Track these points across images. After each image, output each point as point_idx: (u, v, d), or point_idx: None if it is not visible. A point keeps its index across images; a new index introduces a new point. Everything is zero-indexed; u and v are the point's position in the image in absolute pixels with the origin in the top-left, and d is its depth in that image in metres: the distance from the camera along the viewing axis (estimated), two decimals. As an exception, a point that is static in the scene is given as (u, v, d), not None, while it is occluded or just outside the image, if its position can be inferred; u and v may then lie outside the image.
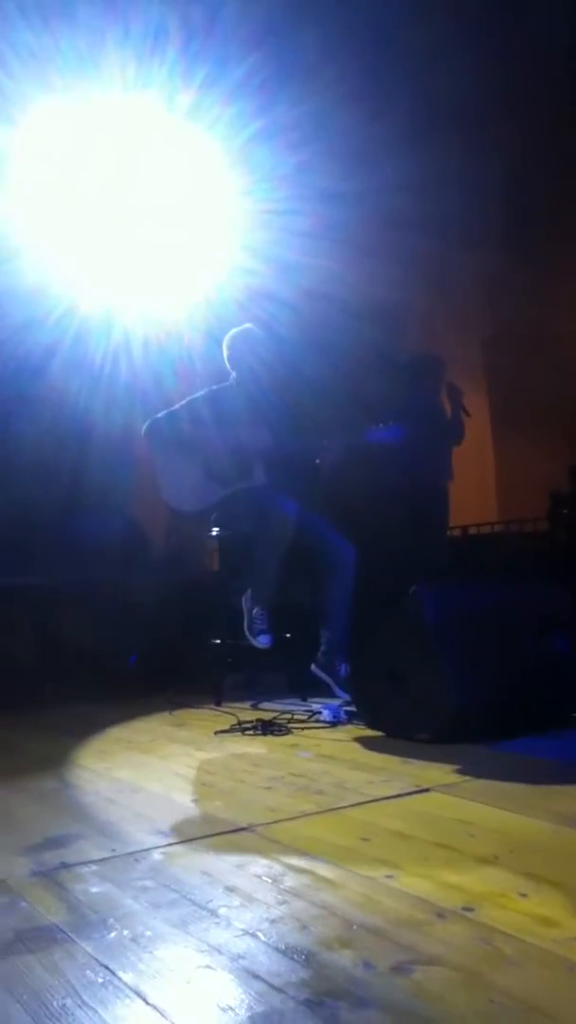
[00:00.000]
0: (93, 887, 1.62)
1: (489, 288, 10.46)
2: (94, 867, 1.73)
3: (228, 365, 3.77)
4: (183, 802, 2.25)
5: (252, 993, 1.17)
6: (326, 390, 6.26)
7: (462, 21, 8.17)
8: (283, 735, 3.08)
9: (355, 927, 1.37)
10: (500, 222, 11.13)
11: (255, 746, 2.94)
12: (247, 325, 3.83)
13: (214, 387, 3.77)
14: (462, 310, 10.11)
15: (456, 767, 2.42)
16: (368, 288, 8.01)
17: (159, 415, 3.63)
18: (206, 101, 5.32)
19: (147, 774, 2.59)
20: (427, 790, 2.20)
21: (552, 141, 10.67)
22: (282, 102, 6.00)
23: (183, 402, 3.71)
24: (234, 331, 3.80)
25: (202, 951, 1.32)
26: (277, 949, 1.31)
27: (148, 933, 1.40)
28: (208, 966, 1.27)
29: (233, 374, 3.76)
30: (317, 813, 2.04)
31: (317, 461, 3.63)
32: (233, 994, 1.18)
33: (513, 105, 8.99)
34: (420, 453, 5.10)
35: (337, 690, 3.37)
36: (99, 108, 4.98)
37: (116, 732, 3.38)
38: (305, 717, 3.37)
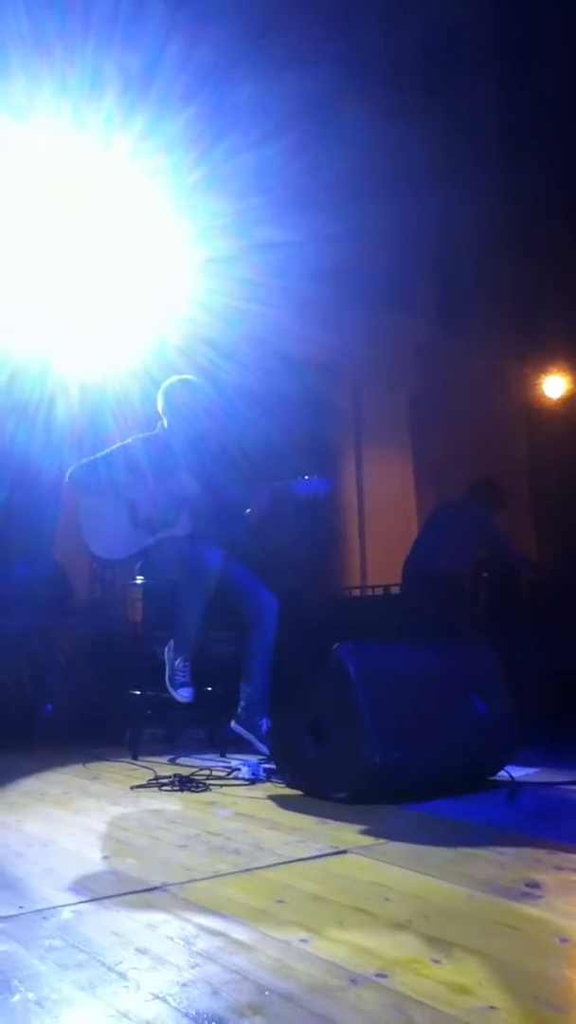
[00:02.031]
0: (-3, 947, 1.56)
1: (418, 349, 10.77)
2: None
3: (161, 412, 3.76)
4: (95, 859, 2.19)
5: (160, 1061, 1.14)
6: (263, 437, 6.35)
7: (402, 89, 8.53)
8: (201, 792, 3.03)
9: (267, 993, 1.35)
10: (433, 286, 11.54)
11: (172, 802, 2.89)
12: (187, 376, 3.84)
13: (141, 435, 3.76)
14: (392, 366, 10.38)
15: (373, 828, 2.42)
16: (306, 336, 8.17)
17: (84, 461, 3.61)
18: (145, 149, 5.41)
19: (59, 828, 2.52)
20: (344, 852, 2.19)
21: (486, 215, 11.16)
22: (221, 153, 6.14)
23: (110, 449, 3.69)
24: (173, 380, 3.80)
25: (110, 1016, 1.28)
26: (187, 1015, 1.28)
27: (54, 996, 1.35)
28: (115, 1032, 1.23)
29: (163, 422, 3.76)
30: (232, 873, 2.01)
31: (248, 511, 3.63)
32: (140, 1062, 1.14)
33: (449, 174, 9.39)
34: (446, 545, 5.40)
35: (258, 745, 3.34)
36: (36, 153, 5.02)
37: (28, 784, 3.28)
38: (224, 774, 3.33)
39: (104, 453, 3.65)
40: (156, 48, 6.07)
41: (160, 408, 3.76)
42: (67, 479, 3.57)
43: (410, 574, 5.67)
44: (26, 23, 5.41)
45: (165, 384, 3.78)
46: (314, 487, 3.42)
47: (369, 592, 7.48)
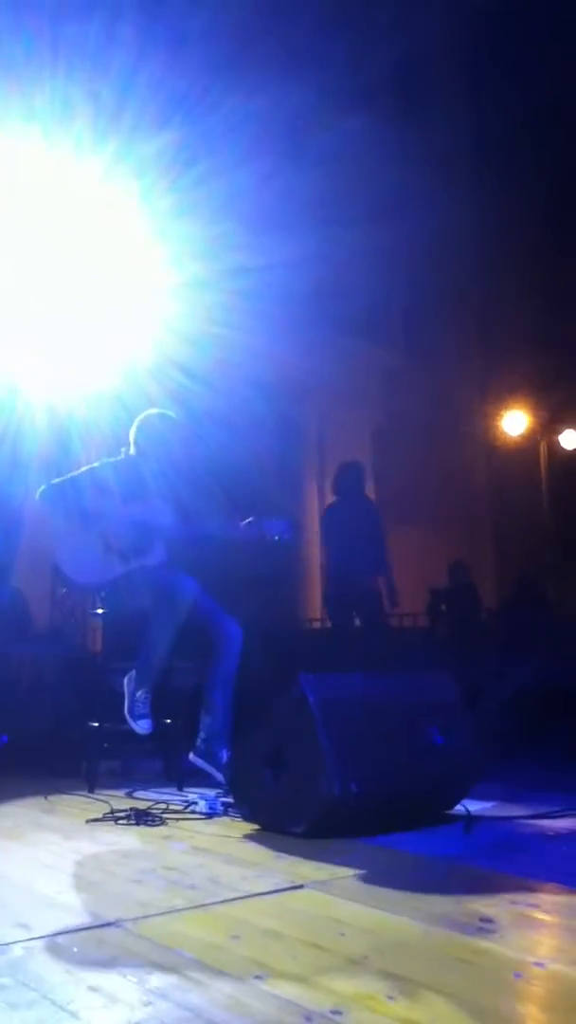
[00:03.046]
0: (-55, 985, 1.52)
1: (384, 377, 10.91)
2: (-52, 963, 1.63)
3: (133, 440, 3.75)
4: (47, 893, 2.15)
5: None
6: (232, 461, 6.36)
7: (373, 116, 8.71)
8: (157, 826, 3.00)
9: (221, 1031, 1.34)
10: (401, 315, 11.71)
11: (128, 836, 2.85)
12: (165, 411, 3.84)
13: (111, 459, 3.74)
14: (358, 393, 10.49)
15: (330, 863, 2.40)
16: (275, 361, 8.22)
17: (54, 481, 3.58)
18: (117, 174, 5.43)
19: (10, 862, 2.48)
20: (301, 886, 2.18)
21: (455, 246, 11.36)
22: (193, 178, 6.19)
23: (81, 470, 3.67)
24: (151, 412, 3.79)
25: (59, 1057, 1.26)
26: (139, 1055, 1.26)
27: (2, 1037, 1.33)
28: (65, 1074, 1.21)
29: (131, 448, 3.75)
30: (188, 909, 1.99)
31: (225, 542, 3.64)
32: None
33: (420, 202, 9.57)
34: (348, 554, 5.36)
35: (218, 776, 3.32)
36: (1, 177, 5.01)
37: (-20, 816, 3.22)
38: (181, 807, 3.29)
39: (73, 475, 3.63)
40: (127, 75, 6.12)
41: (132, 436, 3.75)
42: (38, 496, 3.53)
43: (333, 592, 5.67)
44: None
45: (142, 416, 3.78)
46: (281, 529, 3.45)
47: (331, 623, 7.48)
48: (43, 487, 3.53)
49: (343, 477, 5.79)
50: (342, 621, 5.69)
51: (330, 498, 5.93)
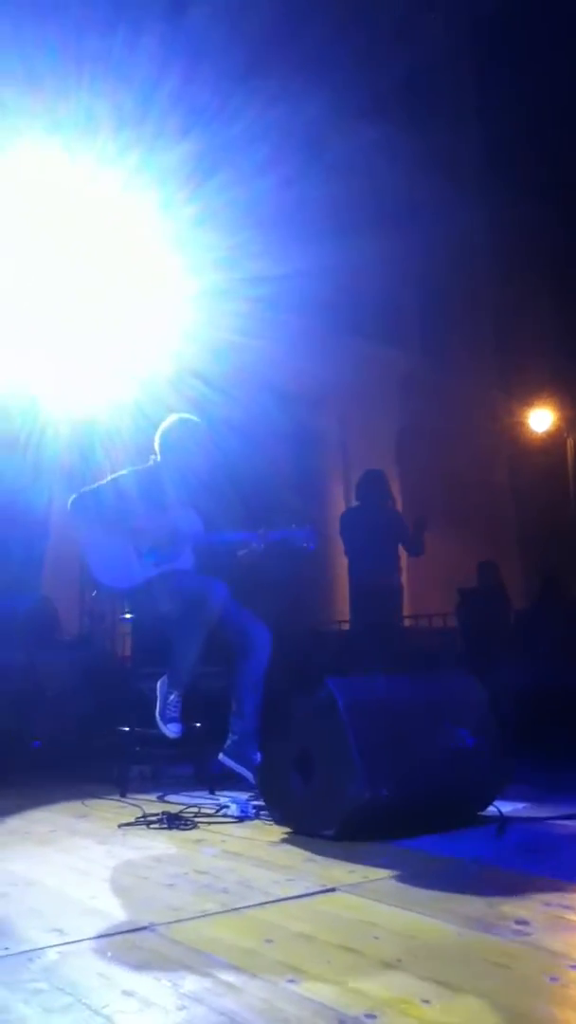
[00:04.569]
0: (-18, 990, 1.54)
1: (405, 381, 10.88)
2: (-16, 968, 1.65)
3: (156, 448, 3.77)
4: (81, 898, 2.16)
5: None
6: (252, 470, 6.37)
7: (389, 125, 8.72)
8: (189, 829, 3.00)
9: (255, 1035, 1.34)
10: (419, 319, 11.69)
11: (160, 841, 2.86)
12: (187, 415, 3.85)
13: (138, 467, 3.77)
14: (379, 398, 10.48)
15: (361, 866, 2.40)
16: (294, 368, 8.23)
17: (85, 490, 3.60)
18: (138, 184, 5.47)
19: (44, 867, 2.49)
20: (332, 890, 2.17)
21: (471, 249, 11.32)
22: (213, 187, 6.23)
23: (108, 479, 3.70)
24: (173, 418, 3.81)
25: (96, 1060, 1.26)
26: (174, 1058, 1.27)
27: (39, 1041, 1.34)
28: (101, 1077, 1.22)
29: (155, 456, 3.77)
30: (220, 913, 1.99)
31: (241, 552, 3.67)
32: None
33: (435, 209, 9.55)
34: (365, 557, 5.38)
35: (250, 778, 3.32)
36: (25, 187, 5.06)
37: (13, 822, 3.24)
38: (212, 811, 3.30)
39: (100, 483, 3.66)
40: (149, 86, 6.18)
41: (156, 443, 3.78)
42: (69, 506, 3.56)
43: (357, 595, 5.67)
44: (17, 62, 5.50)
45: (165, 422, 3.80)
46: (307, 537, 3.47)
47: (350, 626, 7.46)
48: (73, 496, 3.56)
49: (365, 485, 5.84)
50: (362, 624, 5.69)
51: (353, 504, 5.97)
